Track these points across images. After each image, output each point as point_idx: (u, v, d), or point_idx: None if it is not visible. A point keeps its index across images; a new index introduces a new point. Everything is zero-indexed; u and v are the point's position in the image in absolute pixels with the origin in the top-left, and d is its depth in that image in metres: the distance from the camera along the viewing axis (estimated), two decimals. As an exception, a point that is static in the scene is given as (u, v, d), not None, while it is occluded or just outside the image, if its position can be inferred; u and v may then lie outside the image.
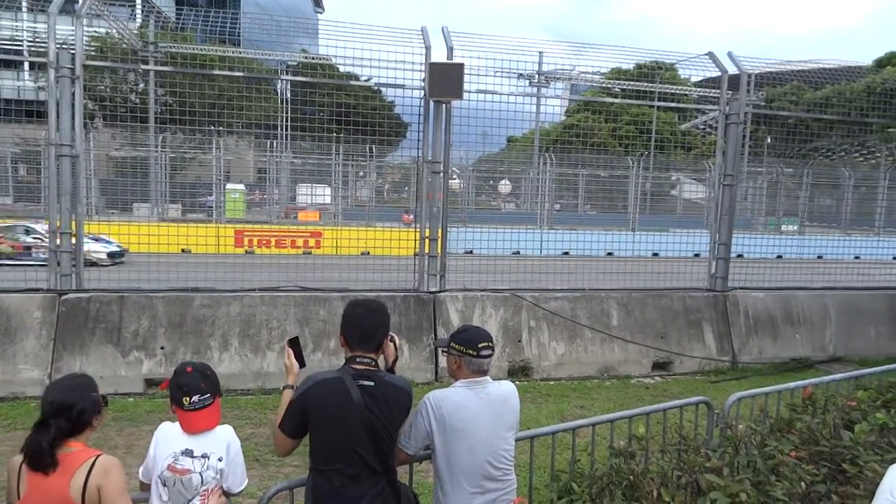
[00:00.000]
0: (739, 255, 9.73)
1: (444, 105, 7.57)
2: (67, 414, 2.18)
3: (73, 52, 6.72)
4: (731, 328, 8.56)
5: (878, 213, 15.63)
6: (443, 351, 2.81)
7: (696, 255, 10.32)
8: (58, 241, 6.83)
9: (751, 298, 8.80)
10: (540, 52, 10.18)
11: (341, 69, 9.54)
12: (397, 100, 8.98)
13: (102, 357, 6.68)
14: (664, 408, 3.75)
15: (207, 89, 8.72)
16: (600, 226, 14.15)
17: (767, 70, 11.38)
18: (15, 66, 16.68)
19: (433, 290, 7.74)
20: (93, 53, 8.68)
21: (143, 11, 21.26)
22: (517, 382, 7.28)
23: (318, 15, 55.13)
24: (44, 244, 8.96)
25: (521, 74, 9.20)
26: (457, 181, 17.17)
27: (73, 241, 6.90)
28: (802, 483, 2.74)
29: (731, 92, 8.70)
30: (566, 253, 12.54)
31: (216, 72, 9.06)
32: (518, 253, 13.24)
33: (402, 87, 7.87)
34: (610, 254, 10.71)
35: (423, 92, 7.59)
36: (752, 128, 13.76)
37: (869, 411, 3.54)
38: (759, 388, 4.14)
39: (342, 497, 2.38)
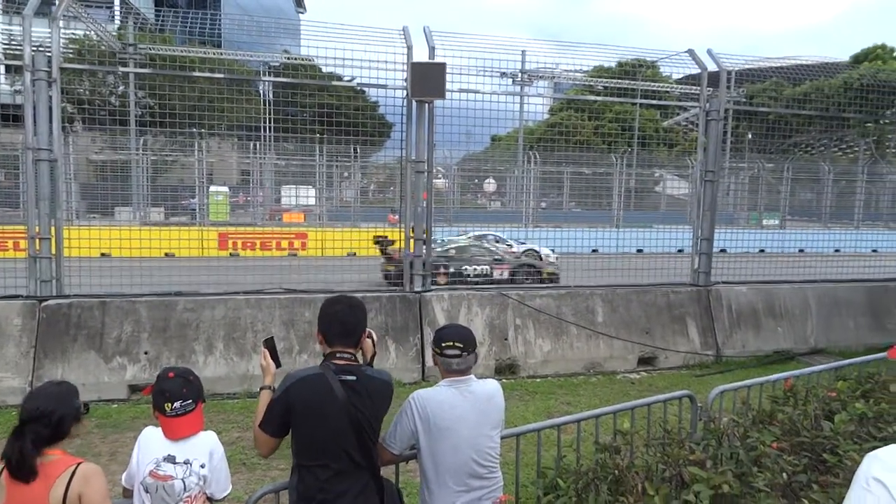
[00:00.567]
0: (723, 250, 9.81)
1: (426, 105, 7.57)
2: (47, 421, 2.16)
3: (49, 54, 6.63)
4: (715, 322, 8.66)
5: (857, 207, 15.92)
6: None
7: (680, 251, 10.42)
8: (37, 247, 6.73)
9: (734, 293, 8.90)
10: (523, 51, 10.20)
11: (324, 69, 9.50)
12: (381, 100, 8.96)
13: (85, 363, 6.59)
14: (648, 402, 3.79)
15: (188, 91, 8.63)
16: (585, 223, 14.24)
17: (747, 67, 11.51)
18: (-10, 69, 16.38)
19: (419, 289, 7.74)
20: (70, 56, 8.54)
21: (121, 13, 20.96)
22: (504, 380, 7.31)
23: (300, 15, 54.70)
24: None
25: (504, 73, 9.22)
26: (442, 180, 17.15)
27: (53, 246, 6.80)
28: (784, 473, 2.78)
29: (711, 89, 8.79)
30: (552, 250, 12.61)
31: (197, 73, 8.97)
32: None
33: (385, 87, 7.85)
34: (595, 251, 10.78)
35: (405, 92, 7.59)
36: (733, 124, 13.94)
37: (848, 401, 3.59)
38: (742, 381, 4.20)
39: (328, 492, 2.38)
